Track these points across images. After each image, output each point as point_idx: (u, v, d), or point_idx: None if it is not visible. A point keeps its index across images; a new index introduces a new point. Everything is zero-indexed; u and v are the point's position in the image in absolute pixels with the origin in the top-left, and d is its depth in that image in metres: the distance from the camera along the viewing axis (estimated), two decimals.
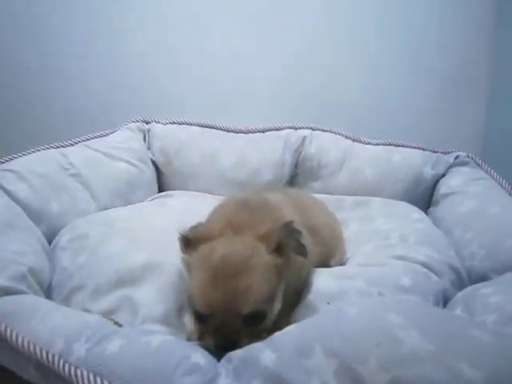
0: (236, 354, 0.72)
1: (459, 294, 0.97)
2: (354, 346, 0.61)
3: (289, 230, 0.85)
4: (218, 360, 0.74)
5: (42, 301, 0.89)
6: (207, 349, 0.77)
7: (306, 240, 0.92)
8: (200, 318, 0.80)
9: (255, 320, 0.78)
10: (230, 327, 0.77)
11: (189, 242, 0.89)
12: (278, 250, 0.84)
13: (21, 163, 1.25)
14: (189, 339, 0.86)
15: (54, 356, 0.70)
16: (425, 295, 0.95)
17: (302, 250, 0.85)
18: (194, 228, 0.92)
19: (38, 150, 1.33)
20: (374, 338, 0.61)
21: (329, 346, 0.62)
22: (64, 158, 1.35)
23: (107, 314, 0.91)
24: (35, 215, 1.17)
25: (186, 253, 0.89)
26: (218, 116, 1.69)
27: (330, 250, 1.14)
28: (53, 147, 1.38)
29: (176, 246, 1.06)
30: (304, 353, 0.63)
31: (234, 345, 0.75)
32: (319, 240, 1.07)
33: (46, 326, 0.76)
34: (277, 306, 0.83)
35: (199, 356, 0.71)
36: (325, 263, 1.10)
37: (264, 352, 0.67)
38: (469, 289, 0.97)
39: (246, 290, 0.77)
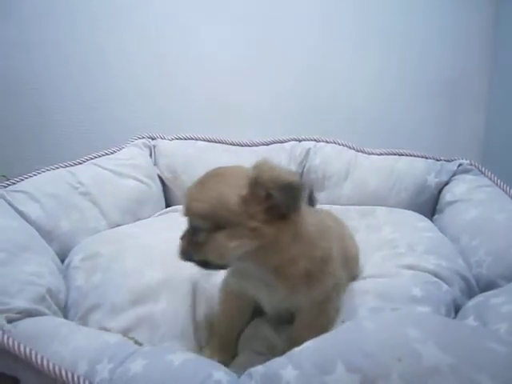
0: (257, 370, 0.73)
1: (470, 303, 0.99)
2: (375, 361, 0.62)
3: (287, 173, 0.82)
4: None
5: (62, 321, 0.91)
6: None
7: (338, 273, 0.94)
8: None
9: (192, 229, 0.84)
10: (186, 227, 0.86)
11: None
12: (251, 186, 0.79)
13: (31, 184, 1.27)
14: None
15: (79, 378, 0.72)
16: (436, 305, 0.97)
17: (289, 198, 0.79)
18: None
19: (48, 170, 1.35)
20: (395, 353, 0.62)
21: (350, 361, 0.64)
22: (73, 177, 1.37)
23: (125, 332, 0.93)
24: (47, 235, 1.20)
25: None
26: (223, 130, 1.71)
27: (354, 274, 1.13)
28: (61, 166, 1.39)
29: None
30: (325, 369, 0.65)
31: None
32: (349, 267, 1.07)
33: (69, 347, 0.78)
34: (224, 240, 0.80)
35: (221, 374, 0.72)
36: None
37: (285, 368, 0.68)
38: (480, 297, 0.99)
39: (189, 197, 0.84)
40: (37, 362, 0.74)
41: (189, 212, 0.84)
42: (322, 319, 0.94)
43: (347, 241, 1.13)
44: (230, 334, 1.00)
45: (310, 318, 0.94)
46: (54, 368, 0.73)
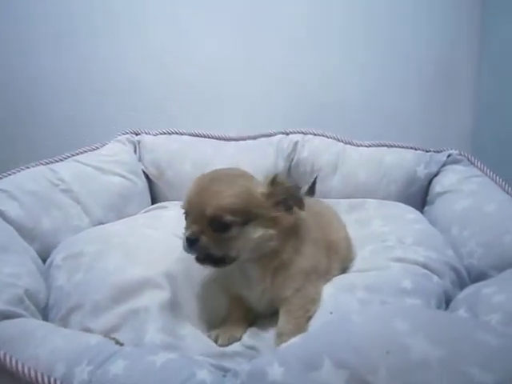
0: (243, 368, 0.70)
1: (461, 294, 0.97)
2: (363, 355, 0.60)
3: (291, 177, 1.01)
4: (187, 246, 0.90)
5: (40, 323, 0.87)
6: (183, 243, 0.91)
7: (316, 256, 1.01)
8: (185, 217, 0.94)
9: (218, 226, 0.88)
10: (197, 225, 0.90)
11: None
12: (272, 184, 0.94)
13: (10, 181, 1.23)
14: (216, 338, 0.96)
15: (55, 381, 0.69)
16: (427, 297, 0.95)
17: (296, 196, 0.96)
18: None
19: (28, 168, 1.31)
20: (383, 347, 0.60)
21: (338, 357, 0.61)
22: (54, 174, 1.33)
23: (109, 331, 0.90)
24: (28, 234, 1.15)
25: None
26: (209, 124, 1.68)
27: (346, 264, 1.15)
28: (42, 164, 1.35)
29: (174, 256, 1.08)
30: (312, 365, 0.62)
31: (196, 240, 0.89)
32: (339, 256, 1.11)
33: (46, 350, 0.75)
34: (251, 229, 0.91)
35: (205, 373, 0.69)
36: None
37: (271, 365, 0.66)
38: (471, 288, 0.97)
39: (214, 195, 0.89)
40: (11, 365, 0.70)
41: (218, 210, 0.88)
42: (304, 302, 0.96)
43: (333, 227, 1.17)
44: (244, 313, 1.03)
45: (293, 305, 0.96)
46: (29, 371, 0.70)
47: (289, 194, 0.95)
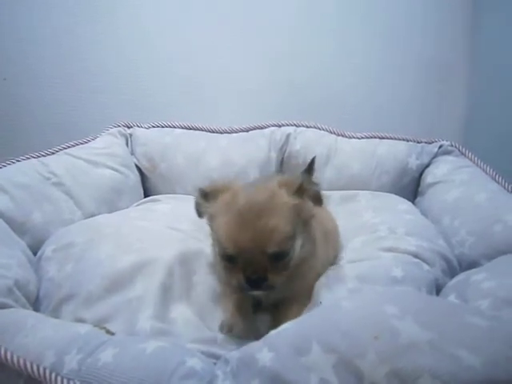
0: (233, 355, 0.70)
1: (451, 282, 0.97)
2: (351, 339, 0.60)
3: (309, 178, 0.94)
4: (252, 288, 0.86)
5: (30, 313, 0.87)
6: (238, 285, 0.86)
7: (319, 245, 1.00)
8: (228, 259, 0.87)
9: (278, 258, 0.85)
10: (257, 264, 0.84)
11: (206, 194, 0.94)
12: (298, 192, 0.91)
13: (0, 174, 1.22)
14: (221, 327, 0.91)
15: (45, 369, 0.68)
16: (417, 285, 0.95)
17: (318, 196, 0.93)
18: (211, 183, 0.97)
19: (18, 161, 1.30)
20: (372, 331, 0.60)
21: (326, 341, 0.61)
22: (45, 167, 1.32)
23: (102, 321, 0.89)
24: (18, 227, 1.14)
25: (204, 204, 0.94)
26: (201, 117, 1.67)
27: (336, 253, 1.15)
28: (33, 157, 1.35)
29: (166, 245, 1.07)
30: (301, 350, 0.62)
31: (263, 280, 0.84)
32: (331, 245, 1.11)
33: (35, 339, 0.74)
34: (298, 243, 0.89)
35: (195, 361, 0.69)
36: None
37: (261, 351, 0.66)
38: (461, 276, 0.97)
39: (272, 231, 0.83)
40: (0, 355, 0.70)
41: (280, 244, 0.84)
42: (306, 295, 0.97)
43: (324, 215, 1.16)
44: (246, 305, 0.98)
45: (297, 298, 0.96)
46: (18, 361, 0.69)
47: (314, 198, 0.93)
